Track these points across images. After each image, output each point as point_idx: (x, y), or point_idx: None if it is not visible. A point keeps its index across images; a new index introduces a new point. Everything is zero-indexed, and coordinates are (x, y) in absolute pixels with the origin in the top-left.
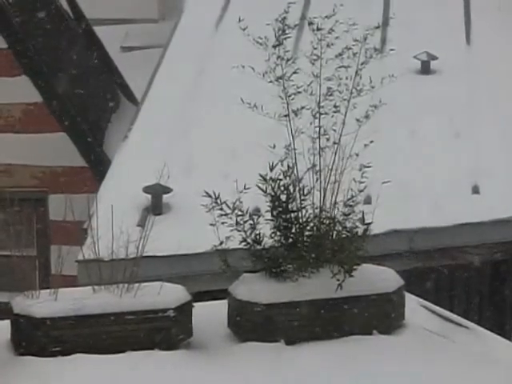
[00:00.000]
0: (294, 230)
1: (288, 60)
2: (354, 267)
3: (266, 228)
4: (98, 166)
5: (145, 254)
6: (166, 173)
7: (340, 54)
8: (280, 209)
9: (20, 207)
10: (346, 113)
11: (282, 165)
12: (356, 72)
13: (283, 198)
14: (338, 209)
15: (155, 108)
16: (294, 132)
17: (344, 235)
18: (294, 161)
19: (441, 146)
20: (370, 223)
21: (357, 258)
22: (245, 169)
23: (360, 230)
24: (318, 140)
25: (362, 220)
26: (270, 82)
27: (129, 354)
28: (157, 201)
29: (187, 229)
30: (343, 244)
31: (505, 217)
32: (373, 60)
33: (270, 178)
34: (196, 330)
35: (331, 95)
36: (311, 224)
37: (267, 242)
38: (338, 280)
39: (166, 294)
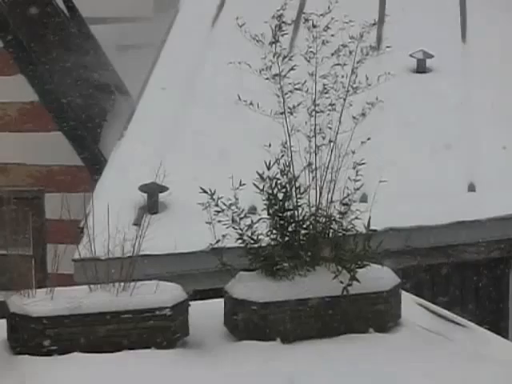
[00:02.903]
0: (290, 229)
1: (284, 57)
2: (358, 269)
3: (262, 226)
4: (94, 164)
5: (141, 253)
6: (162, 171)
7: (336, 52)
8: (276, 207)
9: (16, 206)
10: (341, 111)
11: (278, 163)
12: (352, 70)
13: (280, 196)
14: (335, 207)
15: (151, 107)
16: (289, 130)
17: (340, 234)
18: (289, 159)
19: (437, 144)
20: (374, 230)
21: (358, 259)
22: (241, 166)
23: (360, 231)
24: (313, 138)
25: (368, 226)
26: (267, 79)
27: (125, 353)
28: (153, 199)
29: (183, 227)
30: (339, 243)
31: (501, 215)
32: (369, 58)
33: (267, 176)
34: (192, 329)
35: (327, 93)
36: (307, 222)
37: (263, 240)
38: (342, 283)
39: (163, 293)
